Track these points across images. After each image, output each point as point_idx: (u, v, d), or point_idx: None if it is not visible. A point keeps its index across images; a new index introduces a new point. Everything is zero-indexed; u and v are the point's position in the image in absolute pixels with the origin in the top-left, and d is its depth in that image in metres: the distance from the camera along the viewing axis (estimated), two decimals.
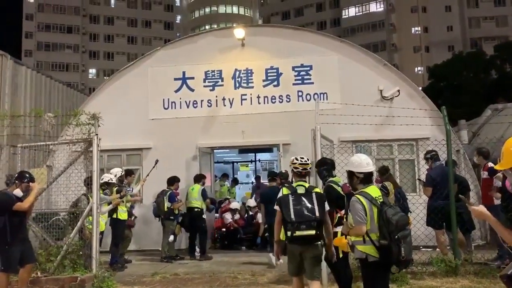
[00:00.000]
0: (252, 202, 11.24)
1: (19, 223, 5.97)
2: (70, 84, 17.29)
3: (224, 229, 10.72)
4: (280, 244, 4.89)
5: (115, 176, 8.61)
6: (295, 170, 4.97)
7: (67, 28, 60.03)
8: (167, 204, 9.22)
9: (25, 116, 8.82)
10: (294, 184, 4.90)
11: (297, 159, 4.99)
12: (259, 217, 10.40)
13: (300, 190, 4.76)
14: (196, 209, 9.38)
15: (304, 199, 4.66)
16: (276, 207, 4.83)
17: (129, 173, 9.41)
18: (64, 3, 59.70)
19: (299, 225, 4.55)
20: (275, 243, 5.03)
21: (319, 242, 4.74)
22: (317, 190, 4.89)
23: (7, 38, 72.36)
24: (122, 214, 8.47)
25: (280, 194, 4.86)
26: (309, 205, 4.61)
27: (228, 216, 10.76)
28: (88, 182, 7.42)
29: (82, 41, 60.74)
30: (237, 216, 10.99)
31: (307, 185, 4.88)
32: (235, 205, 11.17)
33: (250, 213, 11.20)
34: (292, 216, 4.57)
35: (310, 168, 5.02)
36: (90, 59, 61.48)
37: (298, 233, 4.55)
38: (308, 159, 5.03)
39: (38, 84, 12.28)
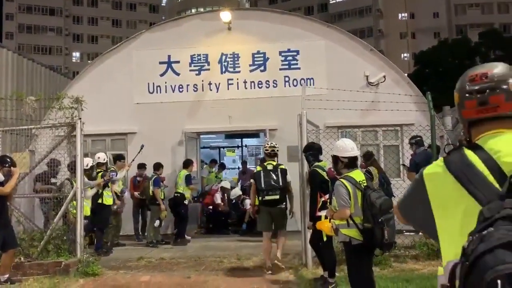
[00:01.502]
0: (237, 191, 11.09)
1: (1, 207, 5.89)
2: (53, 67, 16.94)
3: (211, 207, 10.64)
4: (254, 207, 6.64)
5: (99, 158, 8.53)
6: (266, 152, 6.65)
7: (50, 10, 58.56)
8: (151, 188, 9.21)
9: (6, 99, 8.63)
10: (265, 163, 6.51)
11: (267, 144, 6.73)
12: (247, 203, 10.37)
13: (269, 167, 6.43)
14: (176, 194, 9.39)
15: (271, 173, 6.34)
16: (251, 180, 6.67)
17: (119, 158, 9.36)
18: None
19: (267, 191, 6.28)
20: (251, 206, 6.92)
21: (283, 205, 6.44)
22: (282, 166, 6.52)
23: None
24: (108, 199, 8.41)
25: (255, 171, 6.72)
26: (275, 178, 6.31)
27: (218, 195, 10.70)
28: (72, 167, 7.34)
29: (65, 24, 59.36)
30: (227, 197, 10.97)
31: (275, 163, 6.52)
32: (226, 184, 11.11)
33: (233, 201, 11.08)
34: (263, 185, 6.30)
35: (277, 151, 6.64)
36: (74, 42, 60.21)
37: (267, 197, 6.30)
38: (276, 144, 6.69)
39: (20, 67, 12.00)
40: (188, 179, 9.40)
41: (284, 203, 6.47)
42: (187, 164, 9.65)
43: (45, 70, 13.52)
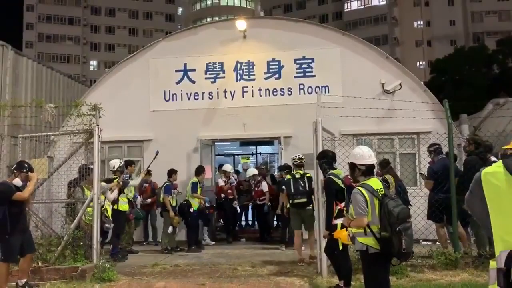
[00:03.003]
0: (253, 170, 11.15)
1: (19, 212, 5.97)
2: (71, 75, 17.23)
3: (223, 196, 10.48)
4: (287, 210, 8.12)
5: (114, 167, 8.59)
6: (294, 163, 7.90)
7: (68, 20, 59.84)
8: (162, 195, 9.25)
9: (26, 106, 8.81)
10: (294, 172, 7.89)
11: (296, 156, 7.92)
12: (264, 186, 10.39)
13: (297, 175, 7.73)
14: (182, 202, 9.42)
15: (299, 181, 7.64)
16: (283, 187, 8.22)
17: (129, 163, 9.41)
18: None
19: (296, 196, 7.57)
20: (285, 209, 8.32)
21: (310, 207, 7.60)
22: (308, 175, 7.68)
23: (8, 29, 72.13)
24: (123, 205, 8.47)
25: (285, 179, 8.08)
26: (302, 184, 7.60)
27: (220, 180, 10.61)
28: (82, 173, 7.42)
29: (83, 33, 60.56)
30: (232, 181, 10.86)
31: (302, 172, 7.78)
32: (227, 167, 10.84)
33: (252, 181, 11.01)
34: (292, 190, 7.62)
35: (304, 161, 7.82)
36: (91, 51, 61.33)
37: (296, 200, 7.59)
38: (303, 156, 7.84)
39: (39, 75, 12.23)
40: (193, 187, 9.36)
41: (311, 206, 7.58)
42: (198, 171, 9.62)
43: (63, 78, 13.76)
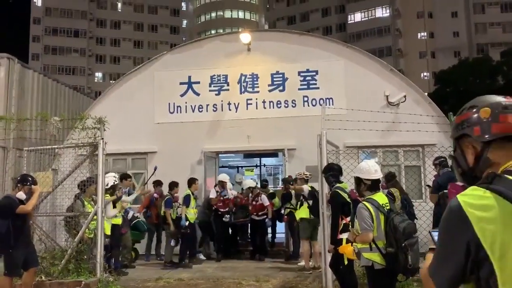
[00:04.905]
0: (250, 182, 10.25)
1: (22, 226, 5.95)
2: (76, 87, 17.33)
3: (221, 209, 9.70)
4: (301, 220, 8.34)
5: (107, 185, 8.46)
6: (306, 178, 8.39)
7: (74, 32, 60.41)
8: (163, 209, 9.18)
9: (32, 119, 8.86)
10: (308, 185, 8.27)
11: (305, 173, 8.46)
12: (264, 199, 9.71)
13: (311, 189, 8.17)
14: (180, 215, 9.18)
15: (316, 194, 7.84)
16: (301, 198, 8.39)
17: (125, 176, 9.20)
18: (71, 7, 60.14)
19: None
20: (300, 221, 8.36)
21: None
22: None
23: (14, 42, 72.98)
24: (116, 219, 8.22)
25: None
26: None
27: (213, 190, 9.83)
28: (87, 186, 7.41)
29: (88, 45, 61.08)
30: (230, 193, 9.99)
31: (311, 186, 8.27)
32: (222, 177, 10.03)
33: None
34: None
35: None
36: (97, 63, 61.80)
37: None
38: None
39: (45, 87, 12.32)
40: (185, 200, 9.12)
41: None
42: (189, 183, 9.35)
43: (69, 90, 13.84)
